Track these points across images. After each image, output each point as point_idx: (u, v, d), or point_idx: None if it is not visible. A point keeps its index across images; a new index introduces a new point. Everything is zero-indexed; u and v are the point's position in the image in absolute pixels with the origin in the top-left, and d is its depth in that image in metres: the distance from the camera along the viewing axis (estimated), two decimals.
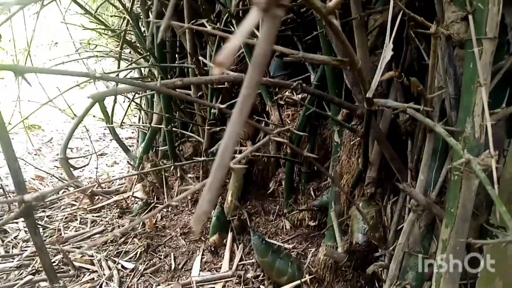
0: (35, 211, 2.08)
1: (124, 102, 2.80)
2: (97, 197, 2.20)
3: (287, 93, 1.53)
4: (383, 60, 0.89)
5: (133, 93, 2.30)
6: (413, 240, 1.03)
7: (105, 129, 4.49)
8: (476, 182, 0.84)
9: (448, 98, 0.96)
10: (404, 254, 1.04)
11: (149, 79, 2.12)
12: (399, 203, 1.19)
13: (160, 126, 2.07)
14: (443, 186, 0.99)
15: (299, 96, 1.59)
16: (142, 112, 2.60)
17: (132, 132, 4.15)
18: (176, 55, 2.05)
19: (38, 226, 1.89)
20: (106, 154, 3.87)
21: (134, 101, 2.29)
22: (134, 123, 2.96)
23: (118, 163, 3.50)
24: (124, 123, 2.39)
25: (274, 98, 1.55)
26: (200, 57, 1.70)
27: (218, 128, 1.79)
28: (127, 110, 2.30)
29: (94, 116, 4.42)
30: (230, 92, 1.80)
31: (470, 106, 0.82)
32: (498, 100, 0.91)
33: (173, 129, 1.99)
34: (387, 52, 0.89)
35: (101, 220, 1.97)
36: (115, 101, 2.19)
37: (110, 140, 4.20)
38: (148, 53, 1.92)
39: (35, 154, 3.59)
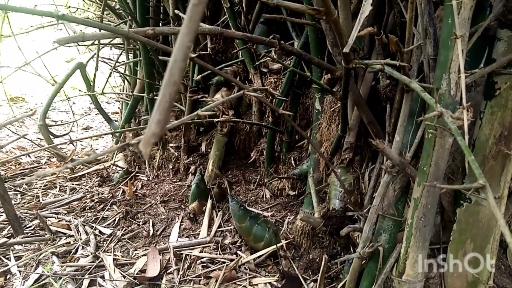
0: (13, 179, 2.04)
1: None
2: (77, 166, 2.17)
3: (269, 59, 1.51)
4: (361, 15, 0.86)
5: (115, 61, 2.25)
6: (387, 202, 1.02)
7: (90, 103, 4.42)
8: (450, 140, 0.83)
9: (426, 59, 0.95)
10: (378, 217, 1.04)
11: (132, 46, 2.07)
12: (376, 169, 1.18)
13: (142, 94, 2.03)
14: (419, 149, 0.99)
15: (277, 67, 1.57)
16: (126, 83, 2.54)
17: (118, 107, 4.09)
18: (160, 22, 1.99)
19: (17, 192, 1.87)
20: (91, 127, 3.82)
21: (116, 69, 2.23)
22: (119, 92, 2.90)
23: (103, 137, 3.45)
24: (105, 93, 2.34)
25: (256, 63, 1.52)
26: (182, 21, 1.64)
27: (199, 96, 1.76)
28: (109, 76, 2.25)
29: (80, 90, 4.35)
30: (212, 59, 1.76)
31: (446, 62, 0.81)
32: (476, 61, 0.90)
33: (155, 97, 1.95)
34: (366, 7, 0.87)
35: (81, 188, 1.94)
36: (96, 68, 2.13)
37: (96, 114, 4.14)
38: (130, 18, 1.86)
39: (19, 126, 3.53)
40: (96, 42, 2.09)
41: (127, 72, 2.47)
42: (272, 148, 1.64)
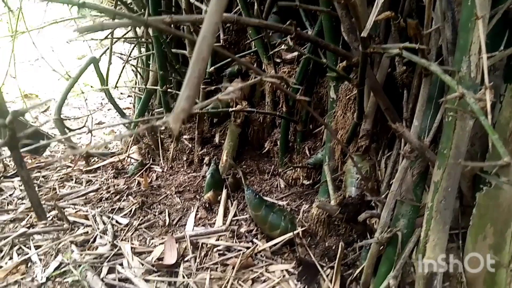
0: (30, 171, 2.07)
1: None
2: (92, 159, 2.20)
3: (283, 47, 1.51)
4: (379, 0, 0.87)
5: (128, 55, 2.27)
6: (405, 188, 1.02)
7: (103, 98, 4.46)
8: (471, 123, 0.83)
9: (445, 43, 0.94)
10: (396, 202, 1.04)
11: (145, 40, 2.09)
12: (393, 156, 1.18)
13: (155, 87, 2.05)
14: (438, 134, 0.98)
15: (294, 54, 1.58)
16: (138, 77, 2.56)
17: (130, 102, 4.13)
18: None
19: (34, 184, 1.89)
20: (104, 122, 3.85)
21: (129, 63, 2.25)
22: (132, 86, 2.91)
23: (115, 132, 3.48)
24: (118, 87, 2.36)
25: (270, 53, 1.52)
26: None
27: (213, 87, 1.77)
28: (122, 70, 2.27)
29: (91, 86, 4.39)
30: (225, 50, 1.77)
31: (466, 44, 0.81)
32: (496, 44, 0.89)
33: (169, 90, 1.96)
34: None
35: (96, 180, 1.97)
36: (109, 62, 2.16)
37: (108, 109, 4.18)
38: (142, 12, 1.88)
39: (33, 122, 3.57)
40: (110, 36, 2.11)
41: (139, 65, 2.49)
42: (286, 138, 1.65)
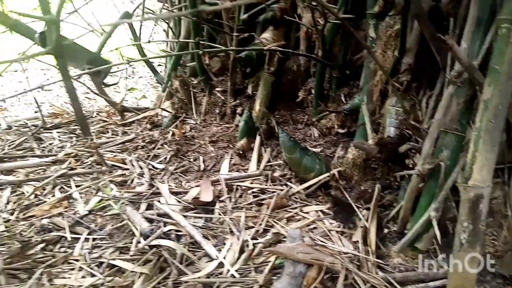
0: (67, 125, 2.12)
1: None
2: (127, 114, 2.24)
3: None
4: None
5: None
6: (450, 117, 0.98)
7: (134, 67, 4.51)
8: None
9: None
10: (439, 134, 1.01)
11: None
12: (436, 89, 1.14)
13: (188, 40, 2.04)
14: (487, 59, 0.93)
15: None
16: (170, 34, 2.56)
17: (161, 71, 4.15)
18: None
19: (72, 136, 1.95)
20: (136, 89, 3.90)
21: (160, 20, 2.25)
22: (164, 40, 2.90)
23: (147, 97, 3.52)
24: (151, 42, 2.37)
25: None
26: None
27: (246, 34, 1.74)
28: (154, 25, 2.27)
29: (122, 55, 4.43)
30: None
31: None
32: None
33: (201, 42, 1.95)
34: None
35: (132, 132, 2.00)
36: (143, 15, 2.16)
37: (139, 77, 4.23)
38: None
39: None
40: None
41: (171, 25, 2.48)
42: (321, 85, 1.62)
